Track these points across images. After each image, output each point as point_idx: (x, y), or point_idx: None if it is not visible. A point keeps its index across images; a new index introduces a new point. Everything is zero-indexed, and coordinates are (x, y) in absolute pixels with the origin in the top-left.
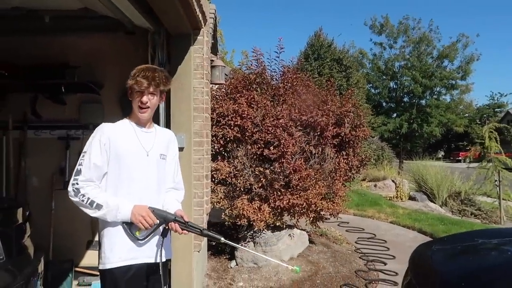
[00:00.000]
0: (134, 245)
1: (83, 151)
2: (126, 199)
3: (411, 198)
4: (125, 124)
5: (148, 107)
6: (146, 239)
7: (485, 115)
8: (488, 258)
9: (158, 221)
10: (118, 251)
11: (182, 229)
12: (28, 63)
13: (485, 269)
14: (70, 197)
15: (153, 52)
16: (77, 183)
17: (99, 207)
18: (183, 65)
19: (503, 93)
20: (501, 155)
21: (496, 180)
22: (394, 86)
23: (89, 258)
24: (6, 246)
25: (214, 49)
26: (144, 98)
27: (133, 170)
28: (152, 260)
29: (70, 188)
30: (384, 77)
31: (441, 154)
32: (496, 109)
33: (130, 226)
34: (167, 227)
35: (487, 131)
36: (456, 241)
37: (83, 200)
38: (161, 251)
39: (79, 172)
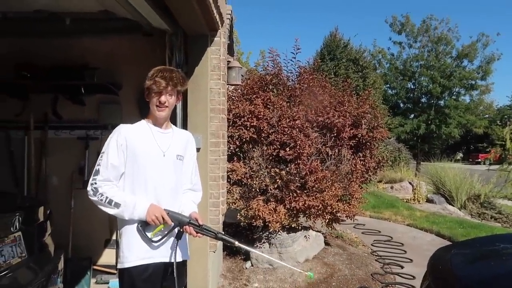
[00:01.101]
0: (151, 245)
1: (102, 151)
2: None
3: (429, 200)
4: (142, 125)
5: (166, 107)
6: (161, 241)
7: (506, 116)
8: (510, 263)
9: (172, 224)
10: (136, 250)
11: (197, 232)
12: (49, 64)
13: (506, 274)
14: (89, 196)
15: (171, 53)
16: (96, 183)
17: (117, 205)
18: (200, 66)
19: None
20: None
21: None
22: (412, 87)
23: (107, 257)
24: (28, 244)
25: (230, 50)
26: (163, 98)
27: (149, 170)
28: (168, 260)
29: (89, 188)
30: (402, 77)
31: (459, 156)
32: None
33: (144, 227)
34: (181, 230)
35: (508, 133)
36: (476, 246)
37: (101, 199)
38: (175, 252)
39: (97, 172)
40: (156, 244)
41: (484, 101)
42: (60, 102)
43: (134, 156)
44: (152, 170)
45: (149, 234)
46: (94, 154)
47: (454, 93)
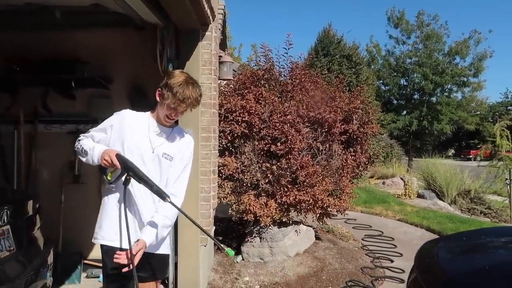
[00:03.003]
0: (118, 229)
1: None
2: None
3: (420, 196)
4: (144, 117)
5: (174, 119)
6: (114, 184)
7: (497, 113)
8: (495, 256)
9: (119, 168)
10: (104, 229)
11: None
12: (39, 58)
13: (492, 267)
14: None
15: (162, 47)
16: (80, 136)
17: (86, 152)
18: (191, 61)
19: None
20: None
21: (507, 179)
22: (405, 83)
23: (98, 251)
24: (16, 237)
25: (223, 45)
26: (174, 115)
27: (132, 157)
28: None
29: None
30: (395, 73)
31: (451, 152)
32: (509, 107)
33: (104, 171)
34: (128, 177)
35: (498, 129)
36: (462, 239)
37: (78, 148)
38: (127, 237)
39: (88, 132)
40: (111, 188)
41: (476, 98)
42: (50, 96)
43: (121, 142)
44: (136, 160)
45: (105, 177)
46: None
47: (446, 90)
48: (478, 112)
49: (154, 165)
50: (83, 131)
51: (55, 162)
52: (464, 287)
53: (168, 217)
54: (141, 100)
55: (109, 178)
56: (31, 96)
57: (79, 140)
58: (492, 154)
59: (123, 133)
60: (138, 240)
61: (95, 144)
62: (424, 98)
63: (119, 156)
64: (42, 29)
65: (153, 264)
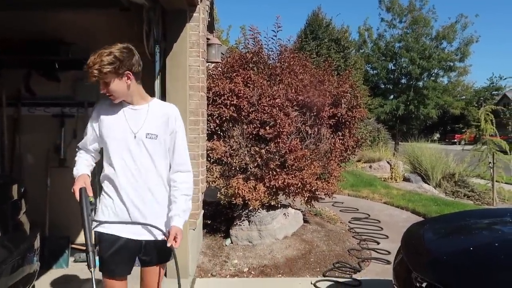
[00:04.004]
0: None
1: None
2: (114, 178)
3: (406, 179)
4: (118, 103)
5: (111, 95)
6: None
7: (482, 98)
8: (478, 237)
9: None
10: (104, 215)
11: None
12: (21, 38)
13: (475, 247)
14: None
15: (148, 28)
16: (77, 146)
17: (74, 172)
18: (179, 43)
19: (502, 76)
20: (496, 138)
21: (490, 162)
22: (393, 68)
23: None
24: (1, 222)
25: (210, 28)
26: (103, 89)
27: (116, 153)
28: (138, 238)
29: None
30: (384, 58)
31: (436, 136)
32: (493, 92)
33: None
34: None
35: (483, 113)
36: (447, 221)
37: (74, 163)
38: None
39: (83, 137)
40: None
41: (462, 82)
42: (33, 78)
43: (105, 138)
44: (120, 152)
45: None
46: (70, 132)
47: (433, 75)
48: (464, 97)
49: (141, 150)
50: (68, 114)
51: (40, 146)
52: (449, 267)
53: (186, 194)
54: None
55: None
56: (13, 78)
57: (77, 152)
58: (476, 138)
59: (102, 129)
60: (170, 228)
61: (76, 168)
62: (411, 82)
63: (80, 191)
64: (24, 9)
65: (157, 249)
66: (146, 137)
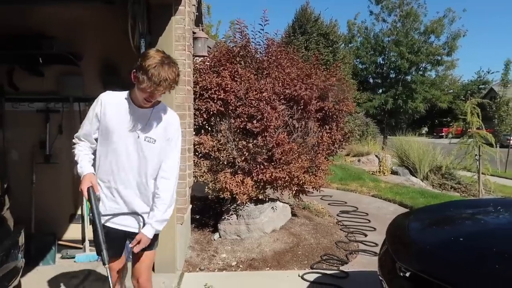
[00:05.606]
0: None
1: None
2: (108, 173)
3: (394, 172)
4: (124, 100)
5: (151, 101)
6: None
7: (469, 91)
8: (461, 227)
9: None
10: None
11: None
12: (3, 32)
13: (458, 237)
14: None
15: (133, 22)
16: (75, 137)
17: (76, 164)
18: (164, 36)
19: (490, 70)
20: (482, 131)
21: (476, 155)
22: (381, 62)
23: (72, 232)
24: None
25: (198, 22)
26: (154, 98)
27: (118, 149)
28: (128, 229)
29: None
30: (373, 52)
31: (424, 130)
32: (480, 86)
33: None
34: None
35: (469, 107)
36: (431, 212)
37: (73, 153)
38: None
39: (81, 127)
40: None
41: (450, 76)
42: (17, 73)
43: (107, 131)
44: (117, 149)
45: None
46: (55, 128)
47: (421, 69)
48: (451, 91)
49: (138, 151)
50: (53, 109)
51: (25, 142)
52: (432, 256)
53: (166, 203)
54: (114, 78)
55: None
56: None
57: (74, 144)
58: (463, 132)
59: (107, 124)
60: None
61: (81, 164)
62: (400, 76)
63: (88, 191)
64: (7, 2)
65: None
66: (145, 140)
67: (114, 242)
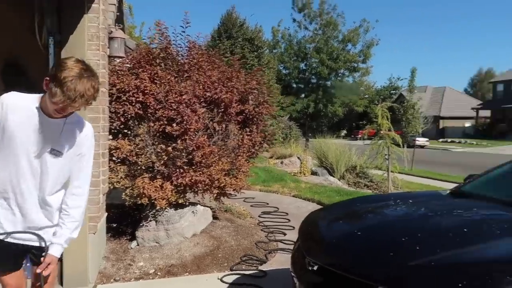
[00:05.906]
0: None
1: None
2: (5, 183)
3: (313, 173)
4: (32, 106)
5: (64, 114)
6: None
7: (381, 96)
8: (363, 220)
9: None
10: None
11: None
12: None
13: (359, 230)
14: None
15: (41, 19)
16: None
17: None
18: (76, 35)
19: (400, 77)
20: (391, 132)
21: (386, 155)
22: (304, 68)
23: None
24: None
25: (120, 22)
26: (65, 112)
27: (17, 157)
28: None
29: None
30: (296, 58)
31: (344, 132)
32: (391, 91)
33: None
34: None
35: (380, 110)
36: (340, 208)
37: None
38: None
39: None
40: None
41: (365, 82)
42: None
43: (8, 137)
44: (22, 161)
45: None
46: None
47: (340, 75)
48: (367, 96)
49: (41, 165)
50: None
51: None
52: (336, 249)
53: (76, 221)
54: (18, 78)
55: None
56: None
57: None
58: (376, 133)
59: (8, 129)
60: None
61: None
62: (320, 82)
63: None
64: None
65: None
66: (51, 153)
67: (9, 256)
